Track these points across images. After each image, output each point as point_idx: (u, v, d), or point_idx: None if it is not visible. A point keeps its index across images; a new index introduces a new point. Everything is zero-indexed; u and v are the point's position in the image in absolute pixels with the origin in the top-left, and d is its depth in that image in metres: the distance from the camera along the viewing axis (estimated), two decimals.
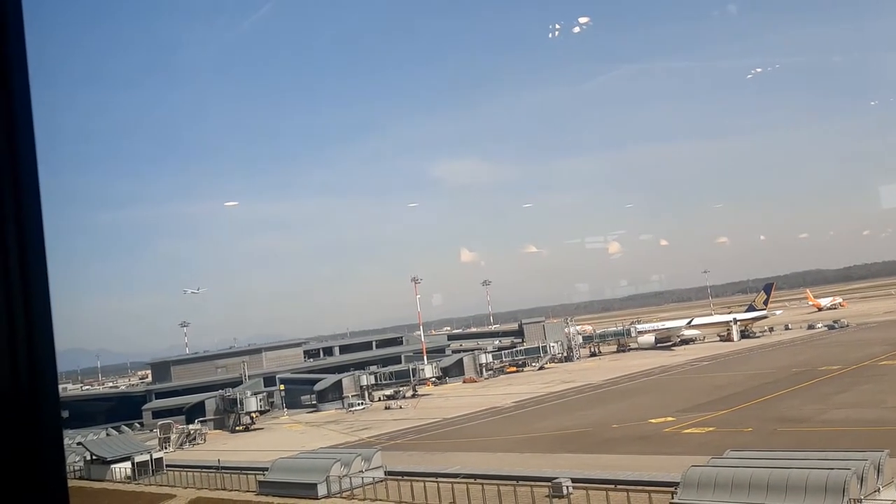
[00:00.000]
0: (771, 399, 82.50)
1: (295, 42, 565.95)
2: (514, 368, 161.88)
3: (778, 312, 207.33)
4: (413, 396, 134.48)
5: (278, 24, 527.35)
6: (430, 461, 68.92)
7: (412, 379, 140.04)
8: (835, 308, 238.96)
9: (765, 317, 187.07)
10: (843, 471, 37.89)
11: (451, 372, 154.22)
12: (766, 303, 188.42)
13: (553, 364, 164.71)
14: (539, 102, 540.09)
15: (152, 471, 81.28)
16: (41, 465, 3.24)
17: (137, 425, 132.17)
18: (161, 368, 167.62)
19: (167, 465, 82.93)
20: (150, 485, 77.55)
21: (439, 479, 56.07)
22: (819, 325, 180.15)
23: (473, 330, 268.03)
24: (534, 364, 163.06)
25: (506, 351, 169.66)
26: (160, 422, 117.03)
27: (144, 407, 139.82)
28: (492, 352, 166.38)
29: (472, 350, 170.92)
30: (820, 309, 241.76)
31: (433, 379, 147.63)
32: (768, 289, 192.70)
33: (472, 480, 54.54)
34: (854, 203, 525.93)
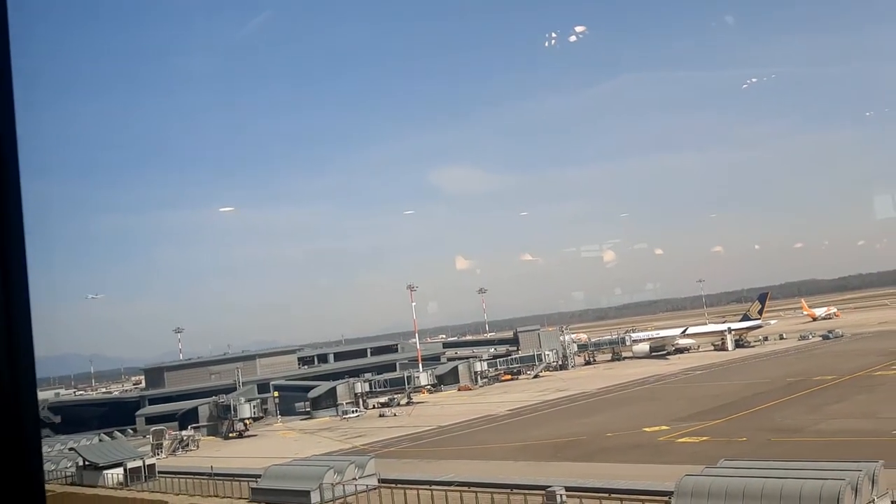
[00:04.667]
0: (765, 409, 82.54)
1: (293, 50, 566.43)
2: (510, 376, 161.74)
3: (772, 322, 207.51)
4: (408, 404, 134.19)
5: (276, 32, 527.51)
6: (424, 469, 68.75)
7: (407, 386, 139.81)
8: (829, 318, 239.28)
9: (759, 326, 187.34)
10: (838, 481, 37.84)
11: (447, 380, 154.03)
12: (760, 312, 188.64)
13: (548, 372, 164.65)
14: (535, 111, 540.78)
15: (145, 477, 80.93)
16: (20, 471, 3.20)
17: (130, 431, 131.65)
18: (155, 374, 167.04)
19: (159, 472, 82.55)
20: (143, 491, 76.99)
21: (433, 487, 55.88)
22: (812, 336, 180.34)
23: (469, 338, 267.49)
24: (529, 372, 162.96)
25: (501, 359, 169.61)
26: (153, 428, 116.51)
27: (138, 413, 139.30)
28: (487, 360, 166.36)
29: (468, 358, 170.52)
30: (814, 319, 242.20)
31: (428, 386, 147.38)
32: (763, 298, 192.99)
33: (465, 488, 54.38)
34: (849, 213, 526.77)
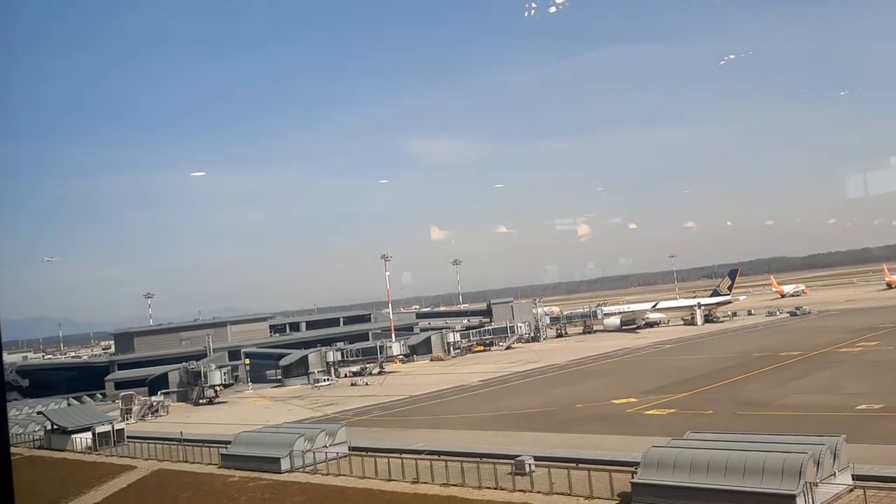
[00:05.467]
0: (732, 383, 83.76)
1: (271, 14, 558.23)
2: (482, 347, 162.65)
3: (742, 298, 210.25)
4: (380, 373, 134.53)
5: None
6: (395, 437, 69.13)
7: (379, 356, 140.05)
8: (797, 295, 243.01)
9: (729, 302, 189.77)
10: (800, 454, 38.48)
11: (419, 350, 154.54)
12: (730, 288, 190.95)
13: (520, 344, 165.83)
14: (513, 83, 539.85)
15: (113, 442, 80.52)
16: None
17: (99, 396, 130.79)
18: (124, 339, 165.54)
19: (128, 437, 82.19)
20: (111, 456, 76.77)
21: (403, 456, 56.20)
22: (780, 312, 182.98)
23: (442, 309, 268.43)
24: (501, 344, 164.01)
25: (474, 330, 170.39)
26: (122, 393, 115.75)
27: (107, 378, 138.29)
28: (460, 331, 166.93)
29: (441, 329, 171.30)
30: (783, 295, 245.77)
31: (401, 356, 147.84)
32: (733, 274, 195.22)
33: (435, 457, 54.67)
34: (820, 192, 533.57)
